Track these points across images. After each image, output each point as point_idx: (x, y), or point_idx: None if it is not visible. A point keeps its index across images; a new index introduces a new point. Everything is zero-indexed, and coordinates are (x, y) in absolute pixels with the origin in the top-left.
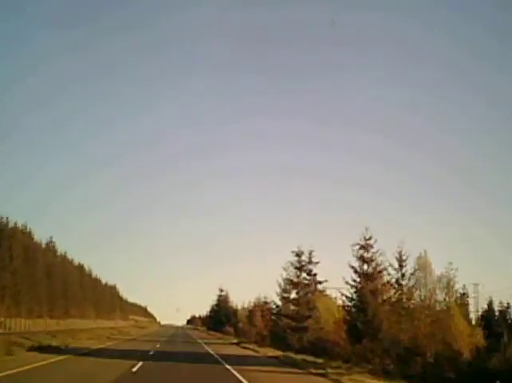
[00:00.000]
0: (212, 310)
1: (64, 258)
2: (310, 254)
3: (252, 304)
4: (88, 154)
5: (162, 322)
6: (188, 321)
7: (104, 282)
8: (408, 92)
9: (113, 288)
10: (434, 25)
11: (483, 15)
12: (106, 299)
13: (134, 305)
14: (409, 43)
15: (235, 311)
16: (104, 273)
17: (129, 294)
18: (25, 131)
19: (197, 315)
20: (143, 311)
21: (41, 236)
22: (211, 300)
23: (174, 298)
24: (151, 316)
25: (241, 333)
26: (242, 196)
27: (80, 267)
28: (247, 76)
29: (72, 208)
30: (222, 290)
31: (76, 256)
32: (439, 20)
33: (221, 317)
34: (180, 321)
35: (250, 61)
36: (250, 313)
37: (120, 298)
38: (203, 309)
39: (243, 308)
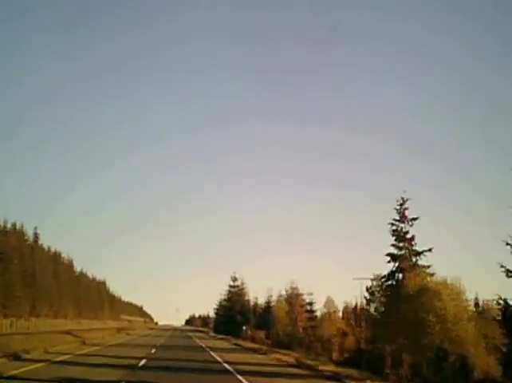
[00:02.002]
0: (221, 307)
1: (34, 243)
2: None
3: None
4: (87, 154)
5: (160, 323)
6: (187, 322)
7: (91, 276)
8: (409, 93)
9: (102, 284)
10: (434, 25)
11: (483, 15)
12: (92, 296)
13: (128, 303)
14: (409, 43)
15: (255, 305)
16: (105, 273)
17: (128, 294)
18: (25, 131)
19: (196, 315)
20: (139, 311)
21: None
22: (219, 294)
23: (174, 298)
24: (147, 316)
25: (284, 341)
26: (242, 196)
27: (57, 256)
28: (247, 76)
29: (71, 208)
30: (235, 279)
31: (77, 257)
32: (438, 20)
33: (235, 315)
34: (179, 321)
35: (250, 62)
36: (290, 305)
37: (112, 296)
38: (202, 309)
39: (278, 298)
